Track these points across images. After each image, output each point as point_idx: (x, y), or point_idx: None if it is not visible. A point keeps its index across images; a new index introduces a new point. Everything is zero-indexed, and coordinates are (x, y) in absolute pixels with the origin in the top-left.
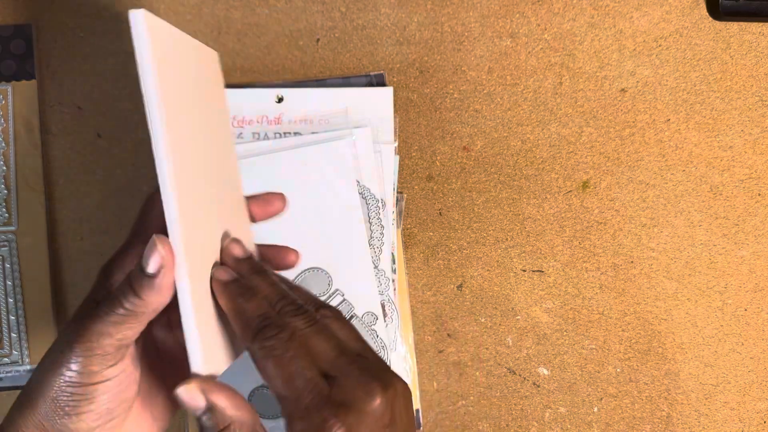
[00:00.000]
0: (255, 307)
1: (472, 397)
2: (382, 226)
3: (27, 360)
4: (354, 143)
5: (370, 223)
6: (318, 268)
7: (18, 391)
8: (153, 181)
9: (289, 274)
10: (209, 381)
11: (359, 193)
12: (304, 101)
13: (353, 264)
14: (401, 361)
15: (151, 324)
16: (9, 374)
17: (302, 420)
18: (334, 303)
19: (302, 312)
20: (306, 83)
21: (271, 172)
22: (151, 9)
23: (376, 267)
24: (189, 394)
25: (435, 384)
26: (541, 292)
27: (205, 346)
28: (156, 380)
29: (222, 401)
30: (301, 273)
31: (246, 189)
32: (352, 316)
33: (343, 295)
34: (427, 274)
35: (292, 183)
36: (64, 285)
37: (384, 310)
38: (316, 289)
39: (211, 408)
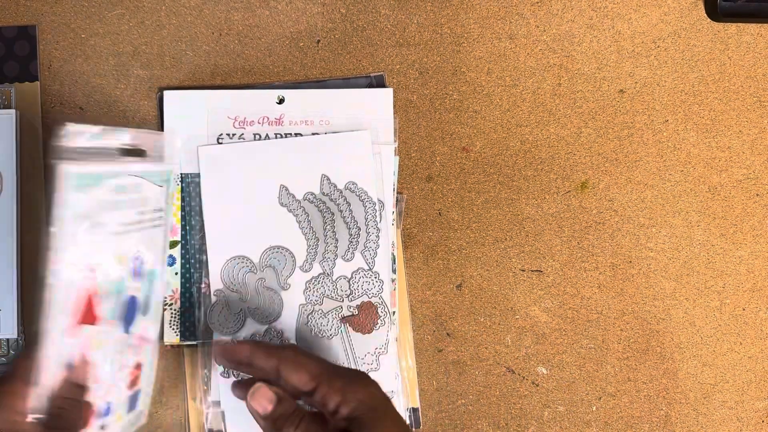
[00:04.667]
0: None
1: (471, 396)
2: (378, 229)
3: None
4: (352, 144)
5: (366, 225)
6: (281, 247)
7: None
8: None
9: (254, 254)
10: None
11: (357, 196)
12: (305, 102)
13: (347, 265)
14: (393, 362)
15: None
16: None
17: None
18: (334, 304)
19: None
20: (306, 84)
21: (271, 172)
22: (153, 10)
23: (370, 269)
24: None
25: (434, 383)
26: (540, 292)
27: None
28: None
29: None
30: (265, 251)
31: (245, 188)
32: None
33: (341, 296)
34: (426, 274)
35: (292, 183)
36: None
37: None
38: (284, 271)
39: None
